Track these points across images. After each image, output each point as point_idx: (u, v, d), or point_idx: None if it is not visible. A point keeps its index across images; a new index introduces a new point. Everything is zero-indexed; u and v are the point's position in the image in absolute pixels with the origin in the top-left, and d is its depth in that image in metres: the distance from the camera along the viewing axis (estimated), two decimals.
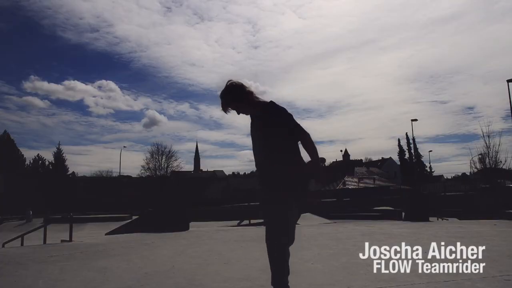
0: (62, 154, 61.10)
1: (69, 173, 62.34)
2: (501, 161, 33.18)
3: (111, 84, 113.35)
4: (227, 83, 3.23)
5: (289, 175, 3.11)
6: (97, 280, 4.36)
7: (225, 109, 3.24)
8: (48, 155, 62.91)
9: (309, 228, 12.01)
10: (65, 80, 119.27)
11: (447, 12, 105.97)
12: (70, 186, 56.41)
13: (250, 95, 3.23)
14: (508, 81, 29.16)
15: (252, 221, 20.40)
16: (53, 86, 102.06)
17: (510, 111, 29.57)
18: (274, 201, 3.12)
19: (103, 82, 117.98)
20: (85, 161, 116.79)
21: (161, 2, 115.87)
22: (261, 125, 3.21)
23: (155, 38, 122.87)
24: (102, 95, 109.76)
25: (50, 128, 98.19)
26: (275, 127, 3.12)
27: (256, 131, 3.28)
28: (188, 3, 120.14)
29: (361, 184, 62.50)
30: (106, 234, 12.78)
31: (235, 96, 3.18)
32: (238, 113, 3.28)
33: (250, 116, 3.33)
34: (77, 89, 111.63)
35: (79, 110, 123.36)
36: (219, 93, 3.24)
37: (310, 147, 3.23)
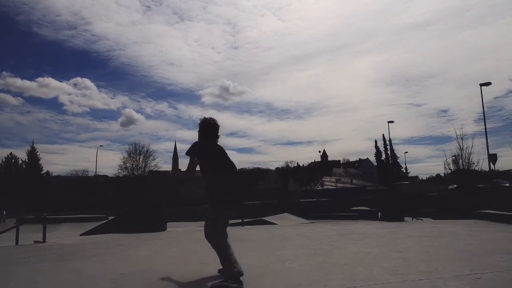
0: (36, 152, 59.70)
1: (43, 172, 60.97)
2: (473, 163, 34.05)
3: (87, 82, 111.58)
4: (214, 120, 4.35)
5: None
6: (71, 281, 4.29)
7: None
8: (22, 154, 61.41)
9: (286, 228, 12.07)
10: (39, 77, 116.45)
11: (420, 18, 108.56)
12: (44, 185, 55.10)
13: None
14: (481, 85, 29.99)
15: (231, 221, 20.32)
16: (26, 83, 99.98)
17: (482, 114, 30.41)
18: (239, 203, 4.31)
19: (78, 79, 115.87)
20: (60, 160, 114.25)
21: (141, 1, 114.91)
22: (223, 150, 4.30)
23: (134, 37, 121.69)
24: (78, 92, 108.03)
25: (24, 126, 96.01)
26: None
27: (223, 152, 4.27)
28: (168, 3, 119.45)
29: (339, 184, 63.24)
30: (81, 234, 12.52)
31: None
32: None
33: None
34: (51, 86, 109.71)
35: (54, 108, 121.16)
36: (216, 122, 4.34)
37: None
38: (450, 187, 38.60)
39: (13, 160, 59.17)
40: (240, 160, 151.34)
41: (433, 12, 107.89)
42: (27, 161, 58.56)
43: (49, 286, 4.11)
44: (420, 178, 74.93)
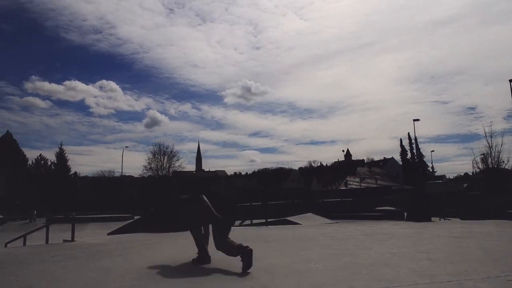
0: (65, 154, 61.12)
1: (71, 173, 62.41)
2: (503, 161, 33.13)
3: (112, 84, 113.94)
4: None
5: None
6: (99, 280, 4.37)
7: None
8: (51, 155, 63.00)
9: (310, 228, 12.01)
10: (67, 80, 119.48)
11: (446, 14, 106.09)
12: (72, 186, 56.47)
13: None
14: (511, 81, 29.04)
15: (254, 221, 20.40)
16: (54, 86, 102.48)
17: None
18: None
19: (104, 82, 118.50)
20: (87, 161, 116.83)
21: (164, 4, 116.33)
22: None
23: (157, 40, 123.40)
24: (103, 95, 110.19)
25: (52, 128, 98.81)
26: None
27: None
28: (190, 5, 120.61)
29: (363, 184, 62.48)
30: (108, 234, 12.79)
31: None
32: None
33: None
34: (78, 89, 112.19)
35: (81, 110, 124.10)
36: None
37: None
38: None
39: (42, 162, 60.80)
40: (263, 160, 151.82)
41: (459, 7, 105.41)
42: (56, 162, 60.07)
43: (78, 284, 4.20)
44: (448, 177, 73.33)
